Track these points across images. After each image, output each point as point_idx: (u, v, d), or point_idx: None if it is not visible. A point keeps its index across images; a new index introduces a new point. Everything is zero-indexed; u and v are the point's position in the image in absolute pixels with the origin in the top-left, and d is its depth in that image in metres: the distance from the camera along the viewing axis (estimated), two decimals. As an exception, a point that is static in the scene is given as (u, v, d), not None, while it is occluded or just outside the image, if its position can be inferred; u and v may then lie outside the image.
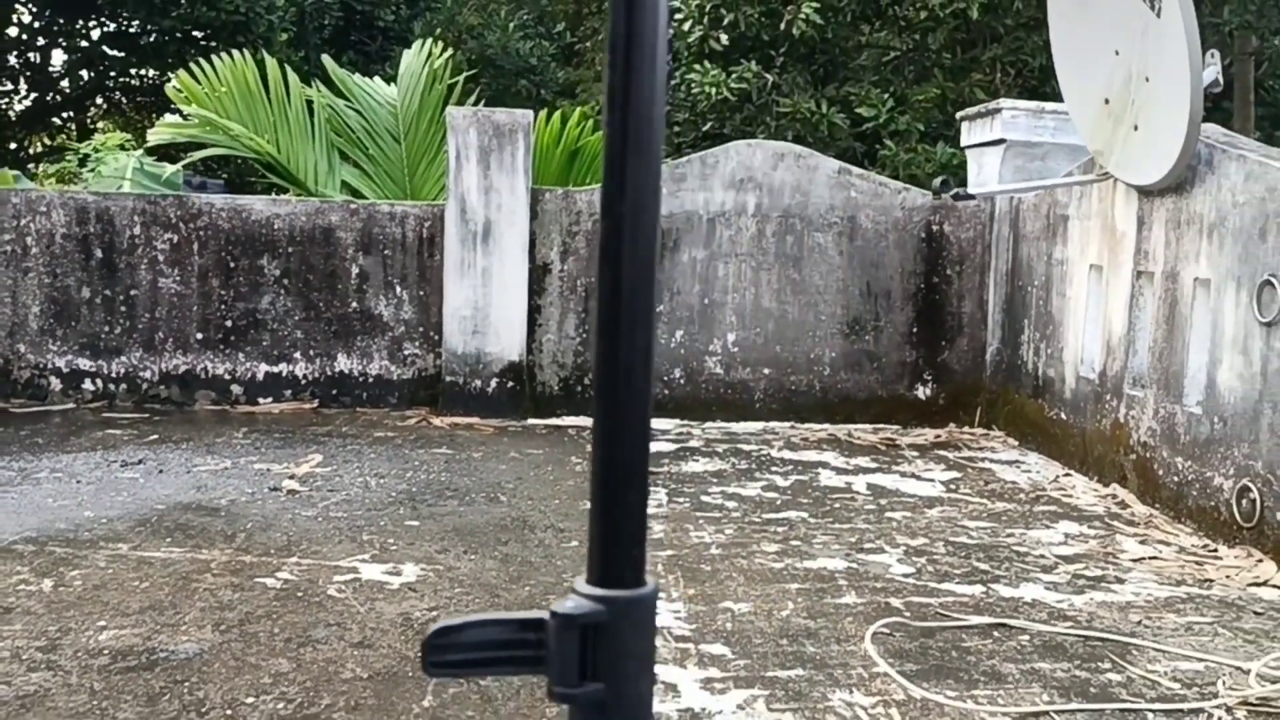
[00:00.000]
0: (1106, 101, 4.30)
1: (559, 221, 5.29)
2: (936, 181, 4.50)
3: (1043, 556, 3.43)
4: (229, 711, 2.16)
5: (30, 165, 17.21)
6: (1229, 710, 2.33)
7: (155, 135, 8.10)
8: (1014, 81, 10.99)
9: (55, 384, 5.25)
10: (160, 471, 4.04)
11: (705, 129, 11.43)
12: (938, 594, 3.03)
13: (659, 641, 2.60)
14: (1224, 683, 2.47)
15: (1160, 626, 2.85)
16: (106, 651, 2.43)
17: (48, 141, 20.65)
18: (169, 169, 8.56)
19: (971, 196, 4.76)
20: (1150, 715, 2.30)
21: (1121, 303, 4.37)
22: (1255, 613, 2.97)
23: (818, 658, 2.54)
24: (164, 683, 2.28)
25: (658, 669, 2.44)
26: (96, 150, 8.49)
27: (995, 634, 2.75)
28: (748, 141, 5.44)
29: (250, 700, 2.21)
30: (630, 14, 0.65)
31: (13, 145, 19.81)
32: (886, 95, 10.89)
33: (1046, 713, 2.29)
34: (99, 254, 5.23)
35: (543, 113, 7.27)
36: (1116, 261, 4.43)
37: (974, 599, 3.00)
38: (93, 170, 8.10)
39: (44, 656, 2.39)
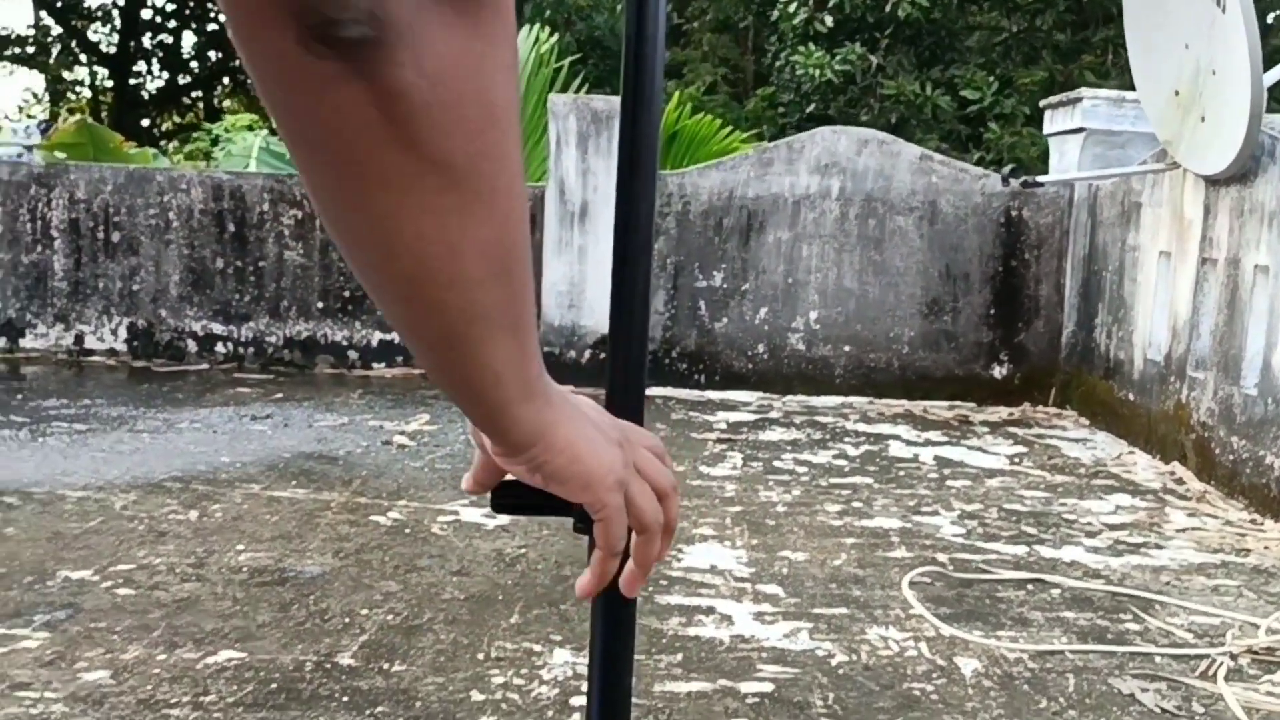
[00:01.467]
0: (1176, 93, 4.45)
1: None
2: (1005, 169, 4.70)
3: (1090, 524, 3.65)
4: (347, 619, 2.55)
5: (162, 142, 18.14)
6: (1233, 657, 2.56)
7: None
8: (1126, 64, 10.94)
9: (191, 346, 5.78)
10: (285, 425, 4.50)
11: (809, 110, 11.65)
12: (983, 552, 3.29)
13: (720, 581, 2.93)
14: (1233, 634, 2.70)
15: (1188, 587, 3.07)
16: (245, 569, 2.85)
17: (178, 120, 21.74)
18: (291, 148, 9.10)
19: (1039, 184, 4.94)
20: (1158, 659, 2.55)
21: (1187, 288, 4.53)
22: (1284, 579, 3.17)
23: (861, 599, 2.84)
24: (293, 595, 2.69)
25: (718, 604, 2.77)
26: (226, 131, 9.09)
27: (1029, 587, 3.01)
28: (833, 128, 5.69)
29: (365, 612, 2.60)
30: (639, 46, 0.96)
31: (146, 122, 20.90)
32: (992, 78, 10.94)
33: (1061, 652, 2.56)
34: (231, 228, 5.73)
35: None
36: (1184, 248, 4.59)
37: (1016, 558, 3.26)
38: (223, 150, 8.70)
39: (194, 571, 2.82)
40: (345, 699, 2.15)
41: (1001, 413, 5.54)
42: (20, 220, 5.69)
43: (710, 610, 2.71)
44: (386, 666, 2.31)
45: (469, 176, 0.51)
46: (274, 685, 2.20)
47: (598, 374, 5.56)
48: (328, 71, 0.46)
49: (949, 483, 4.11)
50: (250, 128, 9.83)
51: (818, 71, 10.76)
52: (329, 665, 2.30)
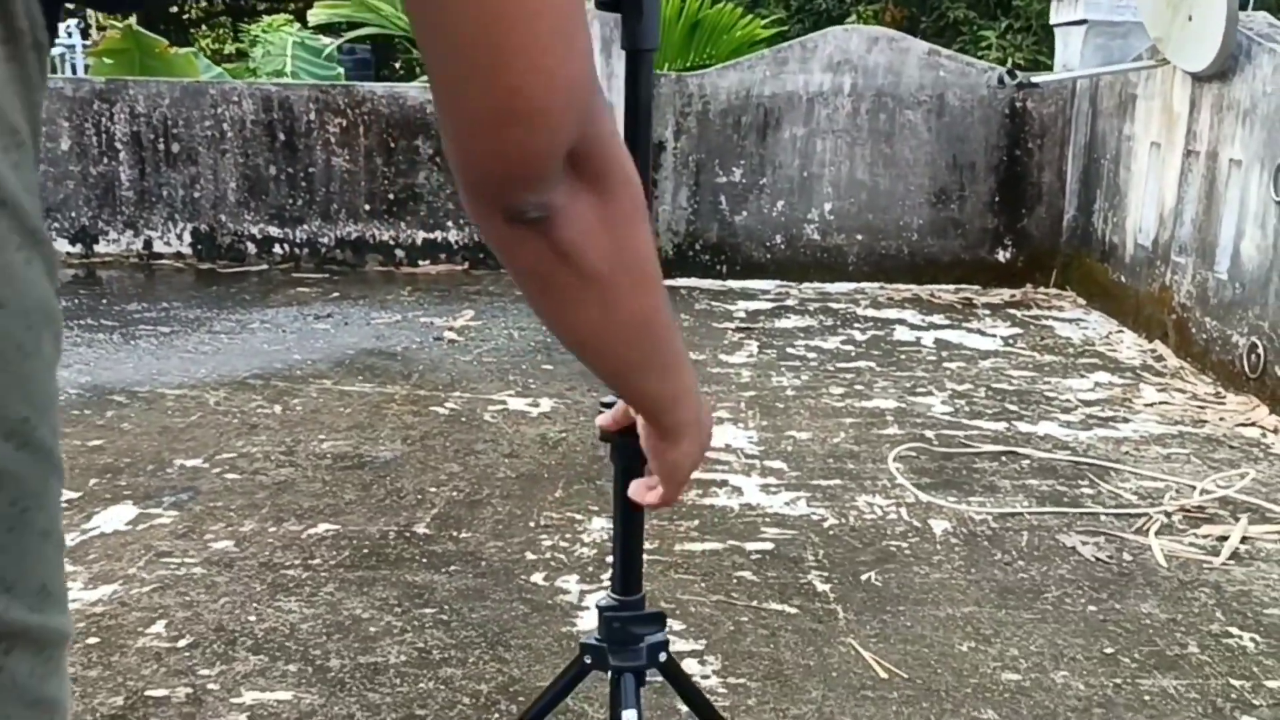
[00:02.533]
0: (1167, -7, 4.70)
1: (673, 103, 5.95)
2: (1002, 69, 4.98)
3: (1068, 401, 4.09)
4: (419, 496, 3.06)
5: (190, 30, 18.29)
6: (1167, 515, 3.02)
7: (314, 16, 8.96)
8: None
9: (251, 248, 6.24)
10: (345, 324, 4.98)
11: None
12: (966, 429, 3.74)
13: (733, 458, 3.41)
14: (1170, 495, 3.15)
15: (1143, 455, 3.52)
16: (328, 455, 3.36)
17: (205, 5, 21.77)
18: (325, 43, 9.41)
19: (1035, 85, 5.23)
20: (1103, 517, 3.02)
21: (1173, 178, 4.86)
22: (1230, 447, 3.61)
23: (853, 472, 3.31)
24: (371, 477, 3.20)
25: (730, 478, 3.25)
26: (264, 31, 9.39)
27: (1002, 459, 3.46)
28: (844, 27, 5.96)
29: (433, 490, 3.11)
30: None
31: (174, 9, 20.93)
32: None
33: (1021, 514, 3.03)
34: (282, 137, 6.13)
35: (664, -12, 7.81)
36: (1171, 140, 4.90)
37: (995, 433, 3.71)
38: (262, 50, 9.02)
39: (286, 458, 3.33)
40: (424, 560, 2.66)
41: (1004, 295, 5.93)
42: (86, 134, 6.12)
43: (724, 483, 3.20)
44: (455, 534, 2.81)
45: (611, 284, 0.81)
46: (365, 550, 2.71)
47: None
48: (522, 234, 0.76)
49: (945, 365, 4.54)
50: (290, 22, 10.11)
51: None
52: (408, 534, 2.81)
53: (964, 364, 4.56)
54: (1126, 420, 3.87)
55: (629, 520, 1.46)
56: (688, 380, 0.98)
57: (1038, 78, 5.42)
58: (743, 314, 5.39)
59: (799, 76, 5.91)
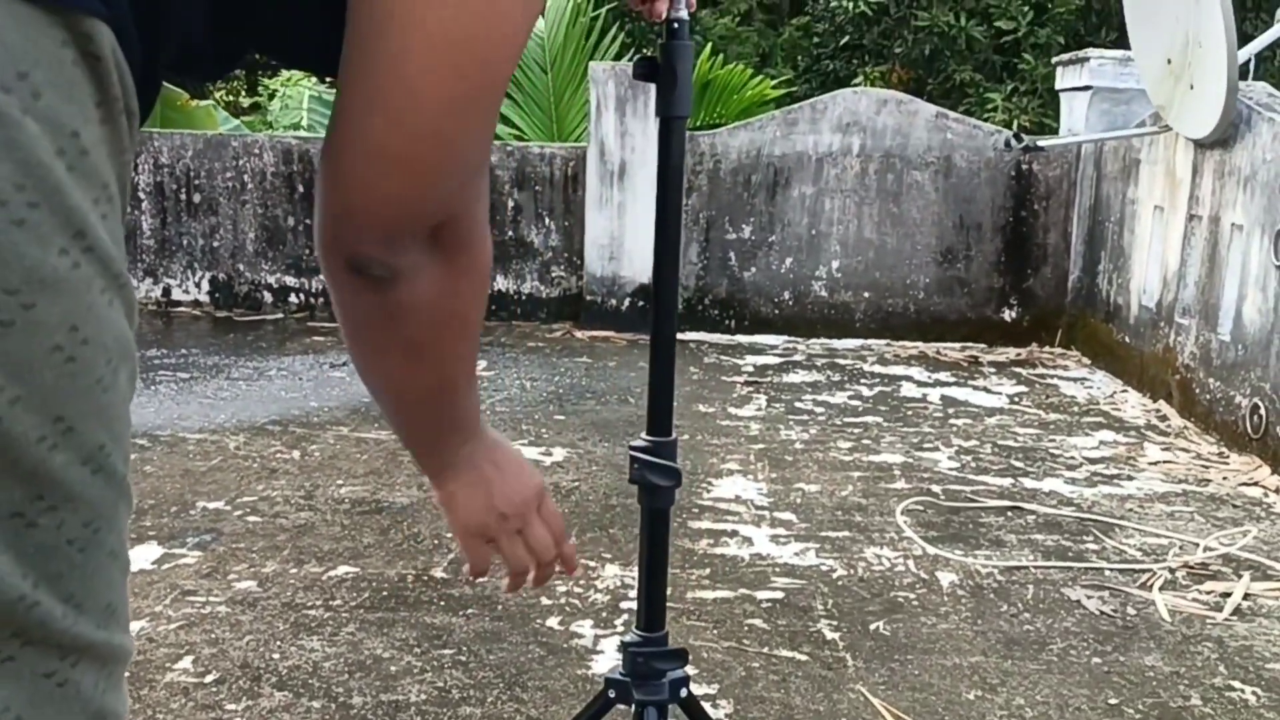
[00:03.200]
0: (1169, 61, 4.84)
1: (685, 161, 6.06)
2: (1007, 134, 5.11)
3: (1073, 458, 4.15)
4: (436, 541, 3.12)
5: (207, 85, 18.62)
6: (1171, 571, 3.08)
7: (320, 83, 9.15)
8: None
9: (267, 297, 6.35)
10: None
11: (843, 42, 11.95)
12: (972, 484, 3.80)
13: (743, 509, 3.47)
14: (1174, 552, 3.21)
15: (1147, 513, 3.57)
16: (347, 500, 3.42)
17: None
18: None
19: (1040, 149, 5.35)
20: (1107, 572, 3.07)
21: (1176, 241, 4.96)
22: (1234, 505, 3.66)
23: (861, 524, 3.37)
24: (389, 521, 3.26)
25: (741, 528, 3.31)
26: (283, 85, 9.60)
27: (1008, 514, 3.52)
28: (853, 89, 6.09)
29: (449, 535, 3.17)
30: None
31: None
32: (1027, 7, 11.12)
33: (1026, 567, 3.08)
34: (300, 188, 6.26)
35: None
36: (1174, 204, 5.01)
37: (1001, 488, 3.77)
38: (280, 104, 9.21)
39: (305, 502, 3.40)
40: (442, 603, 2.72)
41: (1010, 353, 6.01)
42: (111, 184, 6.25)
43: (734, 533, 3.26)
44: (471, 579, 2.87)
45: (429, 351, 0.84)
46: (384, 592, 2.77)
47: (636, 320, 6.09)
48: (360, 285, 0.77)
49: (952, 421, 4.61)
50: (304, 77, 10.31)
51: (851, 4, 11.01)
52: (425, 577, 2.87)
53: (970, 420, 4.63)
54: (1131, 478, 3.93)
55: (654, 559, 1.52)
56: (470, 430, 0.99)
57: (1044, 141, 5.54)
58: (751, 368, 5.47)
59: (809, 137, 6.04)
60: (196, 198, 6.27)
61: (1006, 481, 3.84)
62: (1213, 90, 4.48)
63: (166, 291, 6.37)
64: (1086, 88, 5.87)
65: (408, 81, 0.69)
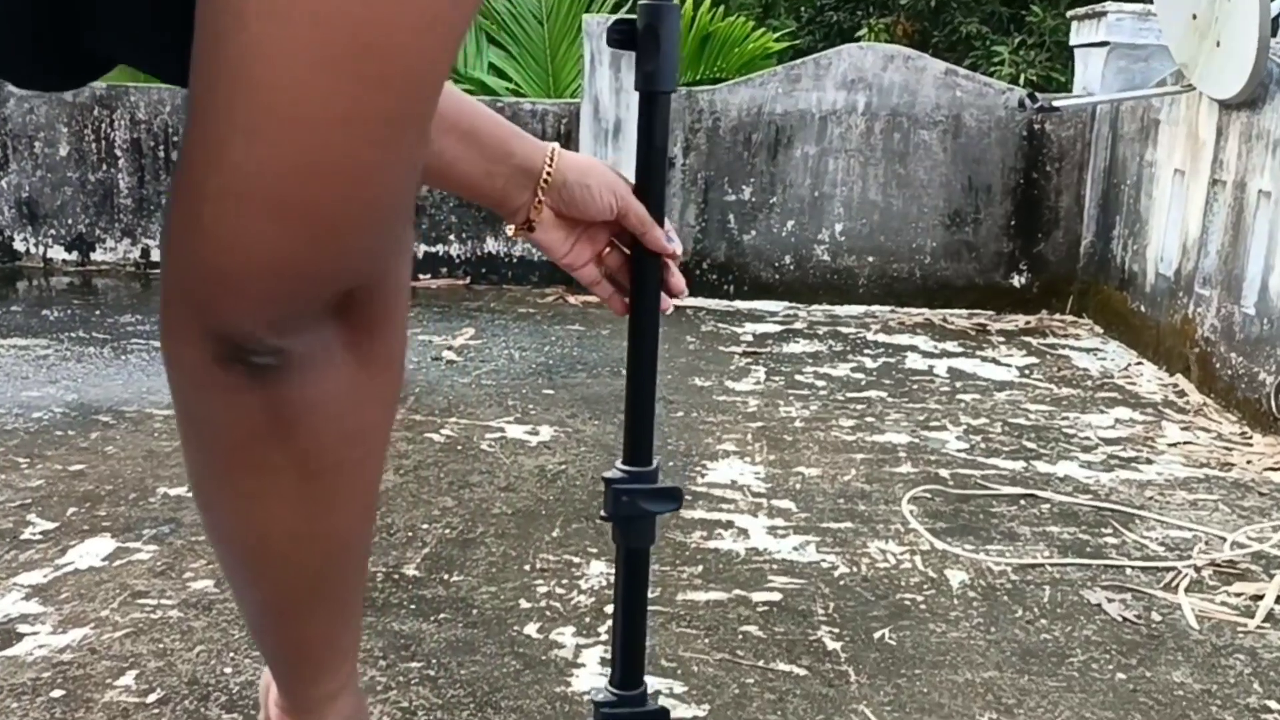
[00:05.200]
0: (1194, 17, 4.57)
1: (682, 119, 5.81)
2: (1021, 93, 4.84)
3: (1088, 439, 3.94)
4: (410, 533, 2.92)
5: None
6: (1197, 570, 2.88)
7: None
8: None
9: (249, 259, 6.11)
10: (342, 341, 4.84)
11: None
12: (983, 468, 3.59)
13: (739, 496, 3.27)
14: (1200, 548, 3.01)
15: (1169, 502, 3.37)
16: (318, 486, 3.22)
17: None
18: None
19: (1056, 109, 5.09)
20: (1129, 570, 2.87)
21: (1198, 207, 4.71)
22: (1260, 494, 3.46)
23: (865, 514, 3.16)
24: (362, 511, 3.05)
25: (737, 519, 3.10)
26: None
27: (1021, 502, 3.32)
28: (859, 44, 5.82)
29: (425, 527, 2.97)
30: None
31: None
32: (1038, -46, 10.77)
33: (1042, 565, 2.88)
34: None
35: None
36: (1196, 168, 4.76)
37: (1013, 473, 3.56)
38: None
39: (273, 488, 3.19)
40: (413, 606, 2.52)
41: (1019, 321, 5.78)
42: (85, 140, 5.99)
43: (729, 524, 3.05)
44: (446, 577, 2.67)
45: (332, 482, 0.59)
46: (352, 594, 2.56)
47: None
48: (232, 382, 0.54)
49: (959, 396, 4.40)
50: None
51: (857, -47, 10.68)
52: (397, 576, 2.67)
53: (978, 396, 4.42)
54: (1150, 462, 3.72)
55: (631, 607, 1.32)
56: (354, 638, 0.73)
57: (1059, 101, 5.28)
58: (750, 337, 5.25)
59: (812, 94, 5.77)
60: (175, 155, 6.01)
61: (1018, 465, 3.63)
62: (1241, 47, 4.21)
63: (145, 253, 6.13)
64: (1103, 44, 5.60)
65: (284, 90, 0.47)
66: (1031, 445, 3.84)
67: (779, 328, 5.46)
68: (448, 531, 2.94)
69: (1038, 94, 4.85)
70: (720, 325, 5.47)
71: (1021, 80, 10.10)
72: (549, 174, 1.06)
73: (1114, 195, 5.62)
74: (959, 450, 3.75)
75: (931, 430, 3.95)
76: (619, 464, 1.28)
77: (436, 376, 4.37)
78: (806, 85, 5.76)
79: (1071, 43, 5.97)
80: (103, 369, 4.30)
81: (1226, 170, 4.49)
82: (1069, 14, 6.05)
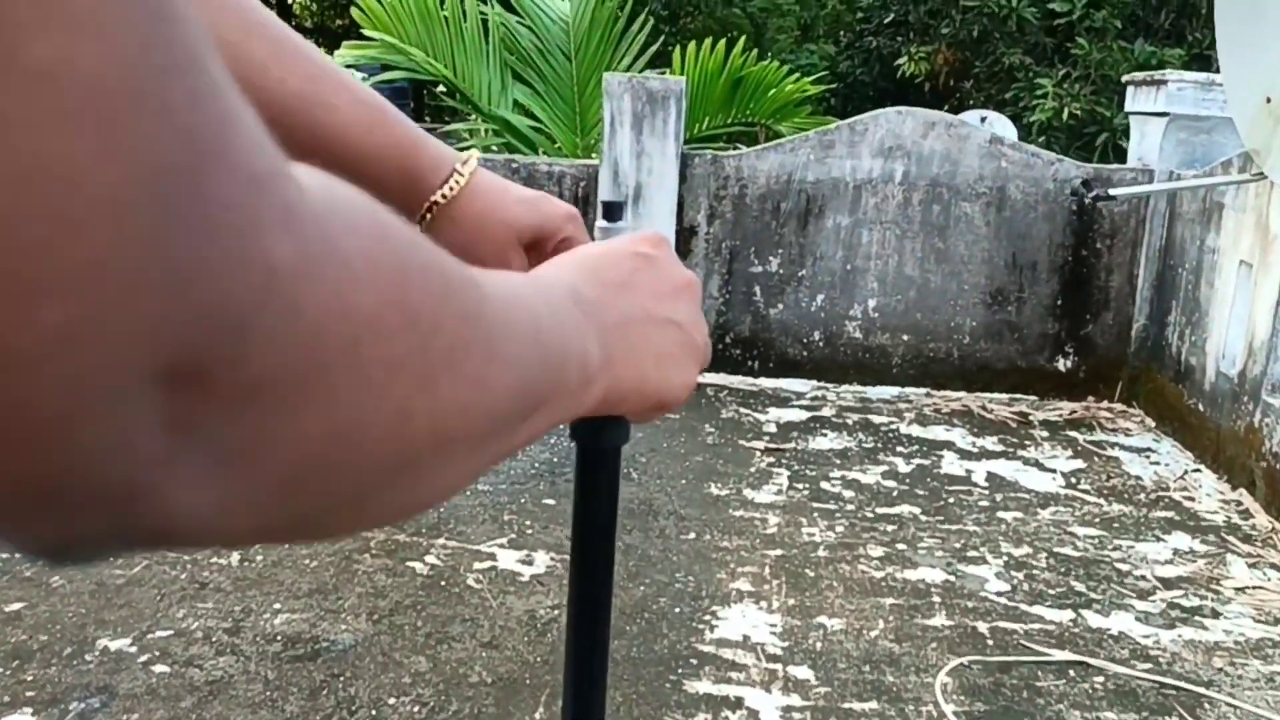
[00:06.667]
0: (1268, 100, 4.16)
1: (706, 185, 5.45)
2: (1076, 181, 4.46)
3: (1144, 577, 3.54)
4: (374, 711, 2.57)
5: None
6: (1278, 785, 2.48)
7: (340, 58, 8.56)
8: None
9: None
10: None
11: (888, 19, 11.32)
12: (1026, 619, 3.20)
13: (751, 660, 2.89)
14: (1281, 753, 2.61)
15: (1242, 675, 2.96)
16: (279, 637, 2.87)
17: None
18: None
19: (1113, 198, 4.70)
20: (1198, 783, 2.48)
21: (1268, 305, 4.30)
22: (1343, 665, 3.05)
23: (894, 689, 2.78)
24: (323, 675, 2.71)
25: (745, 694, 2.73)
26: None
27: (1071, 672, 2.93)
28: (897, 110, 5.44)
29: (391, 701, 2.61)
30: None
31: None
32: (1083, -13, 10.39)
33: (1097, 772, 2.49)
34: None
35: (706, 41, 7.35)
36: (1266, 262, 4.35)
37: (1061, 627, 3.17)
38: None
39: (229, 639, 2.85)
40: (363, 829, 2.17)
41: (1064, 409, 5.37)
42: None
43: (738, 704, 2.68)
44: None
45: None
46: (295, 807, 2.22)
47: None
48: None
49: (999, 514, 4.00)
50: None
51: (899, -21, 10.37)
52: (351, 779, 2.32)
53: (1021, 514, 4.02)
54: (1216, 615, 3.32)
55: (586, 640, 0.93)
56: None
57: (1117, 191, 4.88)
58: (773, 427, 4.87)
59: (846, 161, 5.40)
60: None
61: (1066, 616, 3.24)
62: (1323, 140, 3.81)
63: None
64: (1162, 114, 5.19)
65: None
66: (1080, 587, 3.44)
67: (805, 414, 5.08)
68: (416, 709, 2.59)
69: (1092, 182, 4.46)
70: (742, 410, 5.10)
71: (1065, 115, 9.69)
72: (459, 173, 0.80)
73: (1170, 279, 5.21)
74: (999, 593, 3.36)
75: (969, 564, 3.57)
76: None
77: (429, 478, 4.02)
78: (840, 152, 5.39)
79: (1127, 108, 5.57)
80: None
81: (1301, 271, 4.09)
82: (1124, 79, 5.65)
